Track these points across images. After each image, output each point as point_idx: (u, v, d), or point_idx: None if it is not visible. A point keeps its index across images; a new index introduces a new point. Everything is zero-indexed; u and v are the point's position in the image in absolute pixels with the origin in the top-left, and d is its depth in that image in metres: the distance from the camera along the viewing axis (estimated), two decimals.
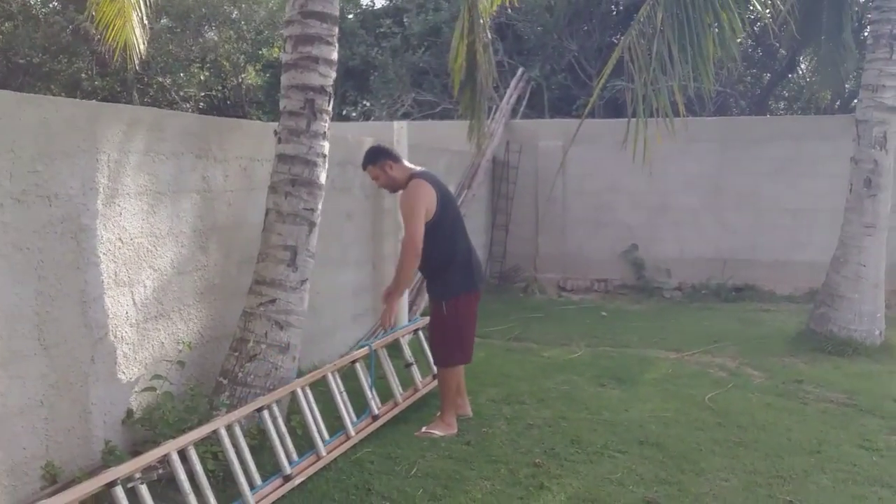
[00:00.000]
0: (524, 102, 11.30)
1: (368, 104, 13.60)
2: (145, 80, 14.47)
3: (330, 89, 4.29)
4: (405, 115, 12.32)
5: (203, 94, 15.12)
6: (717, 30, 6.10)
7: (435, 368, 4.92)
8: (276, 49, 14.25)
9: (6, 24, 13.60)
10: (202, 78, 14.89)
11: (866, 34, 6.79)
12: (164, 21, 13.71)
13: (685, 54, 6.09)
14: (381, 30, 13.36)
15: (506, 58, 12.15)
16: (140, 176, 3.75)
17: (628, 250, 10.04)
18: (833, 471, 4.05)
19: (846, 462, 4.18)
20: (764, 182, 9.60)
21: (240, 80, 15.41)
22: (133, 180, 3.71)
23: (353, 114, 14.00)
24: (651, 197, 9.95)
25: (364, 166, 4.65)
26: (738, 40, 6.32)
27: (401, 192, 4.53)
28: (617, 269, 10.09)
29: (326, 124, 4.27)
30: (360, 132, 8.33)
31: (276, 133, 4.25)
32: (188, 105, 14.82)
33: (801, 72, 13.87)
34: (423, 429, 4.48)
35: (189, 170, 4.13)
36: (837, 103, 12.60)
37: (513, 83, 10.90)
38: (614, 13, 12.29)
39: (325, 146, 4.27)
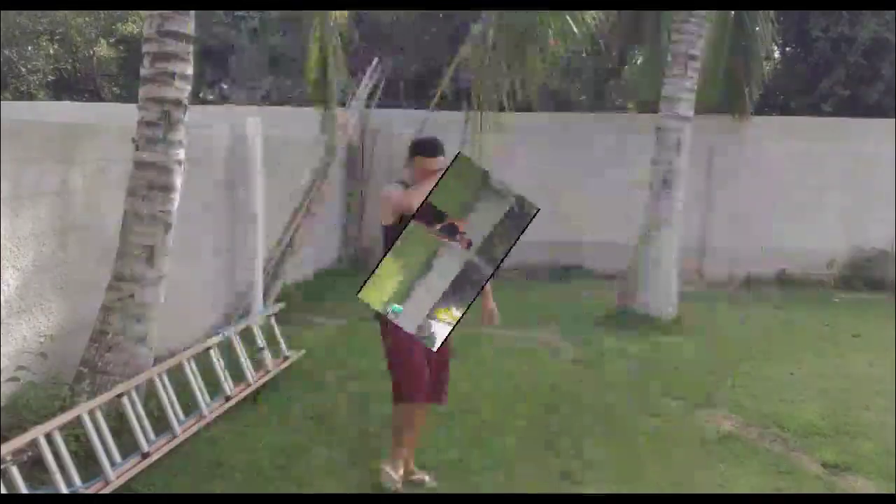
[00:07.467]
0: (379, 91, 11.82)
1: (226, 87, 13.69)
2: None
3: (186, 101, 4.70)
4: (264, 99, 12.53)
5: (52, 66, 14.60)
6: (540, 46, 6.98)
7: None
8: (132, 24, 14.00)
9: None
10: (51, 51, 14.35)
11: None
12: None
13: (514, 66, 6.95)
14: (240, 13, 13.44)
15: (363, 46, 12.59)
16: (5, 183, 4.06)
17: None
18: None
19: None
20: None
21: (91, 52, 14.97)
22: None
23: (211, 97, 14.02)
24: None
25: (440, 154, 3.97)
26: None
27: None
28: None
29: (182, 133, 4.68)
30: (214, 121, 8.59)
31: (133, 141, 4.62)
32: (35, 78, 14.28)
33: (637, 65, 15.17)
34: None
35: (49, 174, 4.46)
36: None
37: (367, 73, 11.37)
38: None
39: (181, 153, 4.68)
